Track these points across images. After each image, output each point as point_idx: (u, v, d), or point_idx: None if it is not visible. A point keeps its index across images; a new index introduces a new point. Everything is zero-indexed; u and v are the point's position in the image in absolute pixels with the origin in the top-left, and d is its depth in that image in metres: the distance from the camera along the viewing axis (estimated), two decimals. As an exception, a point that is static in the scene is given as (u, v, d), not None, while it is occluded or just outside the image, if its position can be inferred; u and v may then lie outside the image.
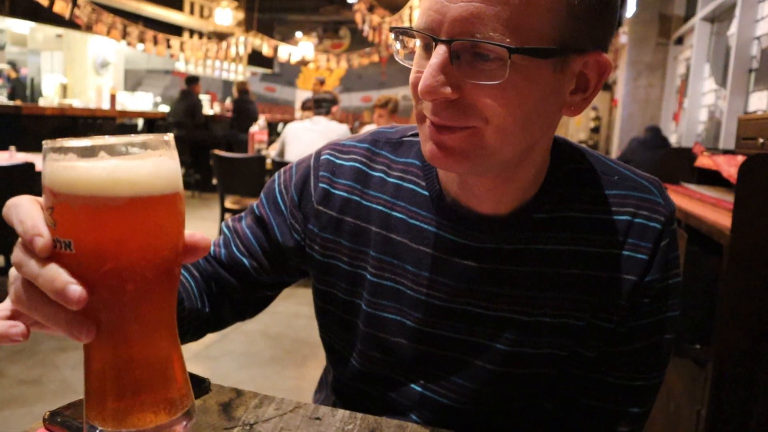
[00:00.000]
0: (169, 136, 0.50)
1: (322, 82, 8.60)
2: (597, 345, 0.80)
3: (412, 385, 0.85)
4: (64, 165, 0.46)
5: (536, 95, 0.66)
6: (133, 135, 0.48)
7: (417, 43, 0.70)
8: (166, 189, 0.49)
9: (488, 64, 0.63)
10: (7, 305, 0.52)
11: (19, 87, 9.15)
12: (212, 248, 0.94)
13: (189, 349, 2.69)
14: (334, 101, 5.04)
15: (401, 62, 0.72)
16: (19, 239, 0.49)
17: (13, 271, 0.50)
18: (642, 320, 0.79)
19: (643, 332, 0.80)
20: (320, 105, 4.97)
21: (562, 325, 0.79)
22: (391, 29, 0.71)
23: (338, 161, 0.88)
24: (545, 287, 0.78)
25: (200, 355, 3.30)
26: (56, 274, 0.46)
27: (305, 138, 4.81)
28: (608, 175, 0.81)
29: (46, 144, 0.47)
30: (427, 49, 0.67)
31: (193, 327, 0.88)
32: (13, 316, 0.52)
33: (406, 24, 6.66)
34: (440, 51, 0.63)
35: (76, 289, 0.45)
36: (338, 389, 0.95)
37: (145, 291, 0.49)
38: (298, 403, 0.76)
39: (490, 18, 0.61)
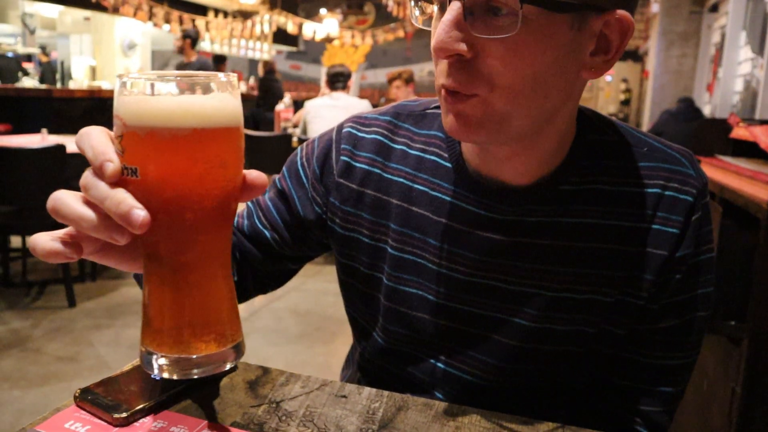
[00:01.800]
0: (233, 76, 0.53)
1: None
2: (627, 322, 0.78)
3: (436, 362, 0.84)
4: (135, 98, 0.49)
5: (550, 54, 0.63)
6: (200, 72, 0.51)
7: (435, 9, 0.68)
8: (228, 123, 0.51)
9: (501, 19, 0.61)
10: (64, 231, 0.54)
11: (48, 71, 9.26)
12: (236, 219, 0.94)
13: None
14: (349, 75, 5.00)
15: (420, 26, 0.70)
16: (89, 165, 0.51)
17: (67, 196, 0.52)
18: (674, 297, 0.77)
19: (675, 309, 0.78)
20: (337, 80, 4.94)
21: (589, 302, 0.77)
22: None
23: (360, 134, 0.87)
24: (570, 262, 0.76)
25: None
26: (123, 198, 0.48)
27: (327, 115, 4.79)
28: (637, 147, 0.78)
29: (120, 77, 0.51)
30: (443, 10, 0.65)
31: None
32: (70, 240, 0.53)
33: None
34: (454, 7, 0.62)
35: (140, 213, 0.48)
36: (363, 366, 0.95)
37: (203, 221, 0.52)
38: (324, 380, 0.76)
39: None
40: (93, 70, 9.18)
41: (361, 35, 9.33)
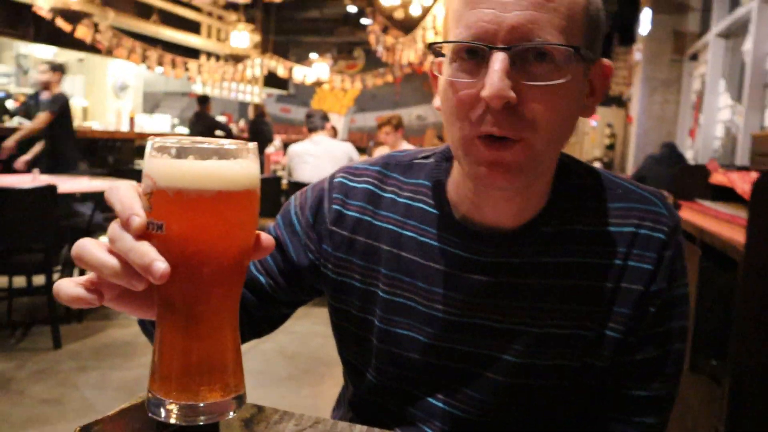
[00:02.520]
0: (253, 145, 0.57)
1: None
2: (607, 355, 0.82)
3: (428, 399, 0.87)
4: (167, 161, 0.54)
5: (576, 96, 0.72)
6: (222, 140, 0.55)
7: (449, 61, 0.72)
8: (248, 186, 0.56)
9: (542, 66, 0.68)
10: (85, 278, 0.57)
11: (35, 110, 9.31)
12: None
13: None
14: (324, 116, 5.09)
15: (441, 77, 0.74)
16: (116, 218, 0.55)
17: (91, 244, 0.55)
18: (651, 330, 0.81)
19: (652, 341, 0.81)
20: (311, 122, 5.02)
21: (572, 336, 0.81)
22: (430, 44, 0.75)
23: (351, 183, 0.91)
24: (554, 299, 0.81)
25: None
26: (147, 251, 0.52)
27: (309, 159, 4.87)
28: (612, 189, 0.84)
29: (152, 140, 0.55)
30: (472, 61, 0.69)
31: None
32: (91, 286, 0.57)
33: (419, 44, 6.72)
34: (501, 57, 0.66)
35: (161, 265, 0.51)
36: (355, 404, 0.97)
37: (218, 276, 0.55)
38: (317, 418, 0.78)
39: (545, 23, 0.67)
40: (85, 111, 9.26)
41: (350, 79, 9.48)
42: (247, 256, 0.58)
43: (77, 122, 8.50)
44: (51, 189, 3.44)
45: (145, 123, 9.77)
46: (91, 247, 0.55)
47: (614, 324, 0.81)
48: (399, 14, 7.71)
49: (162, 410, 0.56)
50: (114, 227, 0.54)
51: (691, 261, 1.76)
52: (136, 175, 5.06)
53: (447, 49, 0.73)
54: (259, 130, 9.47)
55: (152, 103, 14.25)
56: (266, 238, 0.59)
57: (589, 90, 0.76)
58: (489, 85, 0.66)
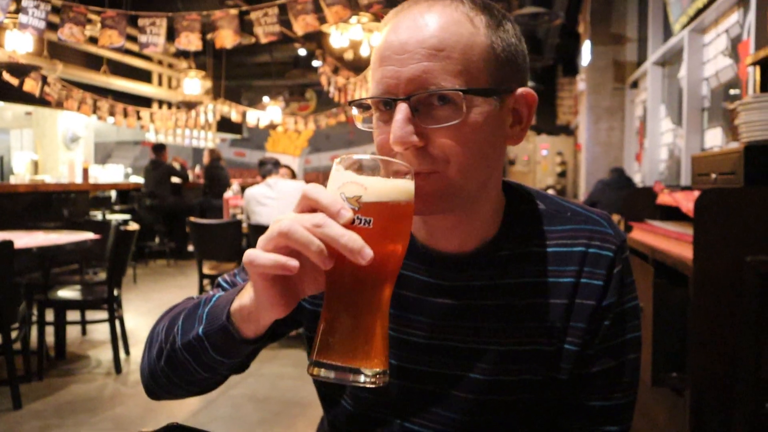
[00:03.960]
0: (412, 170, 0.69)
1: None
2: (567, 368, 0.87)
3: (402, 422, 0.91)
4: (375, 178, 0.66)
5: (487, 130, 0.78)
6: (399, 162, 0.68)
7: (373, 111, 0.81)
8: (413, 199, 0.69)
9: (444, 109, 0.75)
10: (272, 246, 0.65)
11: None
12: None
13: (182, 413, 2.64)
14: (275, 161, 5.29)
15: (361, 127, 0.84)
16: (318, 213, 0.64)
17: (299, 226, 0.63)
18: (606, 342, 0.87)
19: (608, 353, 0.88)
20: (264, 168, 5.26)
21: (534, 352, 0.86)
22: (350, 103, 0.84)
23: None
24: (514, 318, 0.86)
25: (188, 422, 3.26)
26: (357, 237, 0.62)
27: (266, 201, 5.02)
28: (561, 213, 0.91)
29: (343, 159, 0.68)
30: (387, 111, 0.78)
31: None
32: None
33: (371, 84, 6.84)
34: (402, 107, 0.75)
35: (370, 250, 0.61)
36: (335, 435, 0.99)
37: (392, 267, 0.68)
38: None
39: (439, 71, 0.74)
40: (35, 164, 9.08)
41: (303, 121, 9.54)
42: (403, 256, 0.69)
43: (28, 176, 8.36)
44: (7, 245, 3.37)
45: (99, 173, 9.64)
46: (299, 226, 0.63)
47: (572, 338, 0.87)
48: (348, 55, 7.86)
49: (335, 368, 0.65)
50: (319, 216, 0.63)
51: (645, 279, 1.85)
52: (93, 227, 4.98)
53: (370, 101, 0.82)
54: (216, 175, 9.45)
55: (104, 153, 14.08)
56: None
57: (513, 119, 0.82)
58: (392, 133, 0.75)
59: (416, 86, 0.74)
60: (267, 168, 5.21)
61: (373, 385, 0.65)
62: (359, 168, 0.66)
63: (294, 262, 0.63)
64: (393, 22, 0.79)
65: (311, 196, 0.65)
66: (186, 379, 0.86)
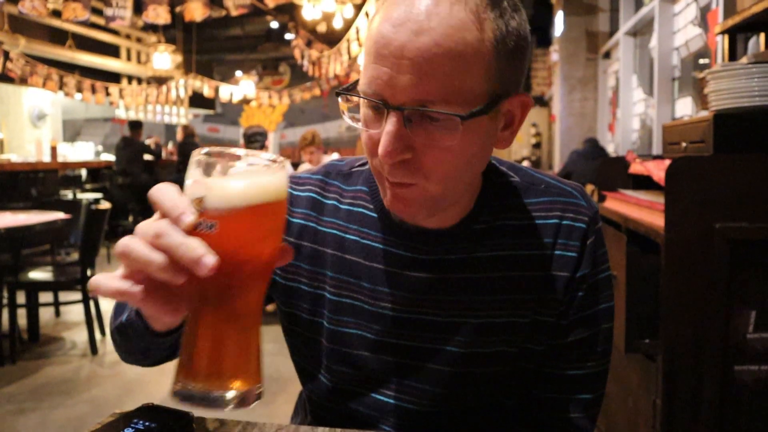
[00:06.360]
0: (285, 162, 0.63)
1: None
2: (543, 339, 0.88)
3: (381, 397, 0.91)
4: (220, 175, 0.59)
5: (478, 144, 0.75)
6: (260, 157, 0.62)
7: (361, 105, 0.77)
8: (282, 198, 0.62)
9: (438, 126, 0.71)
10: (121, 272, 0.59)
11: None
12: None
13: (159, 393, 2.62)
14: (265, 135, 5.13)
15: (348, 121, 0.78)
16: (157, 217, 0.58)
17: (136, 242, 0.57)
18: (580, 312, 0.88)
19: (582, 323, 0.88)
20: (255, 140, 5.04)
21: (509, 324, 0.87)
22: (338, 93, 0.77)
23: (295, 192, 0.95)
24: (490, 291, 0.87)
25: (165, 403, 3.25)
26: (198, 245, 0.55)
27: None
28: (535, 185, 0.90)
29: (200, 153, 0.60)
30: (377, 112, 0.74)
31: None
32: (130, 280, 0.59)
33: (345, 57, 6.78)
34: (394, 118, 0.71)
35: (211, 258, 0.54)
36: (313, 410, 0.99)
37: (254, 275, 0.61)
38: (279, 425, 0.80)
39: (437, 89, 0.69)
40: (1, 143, 8.87)
41: (278, 95, 9.42)
42: (275, 258, 0.63)
43: (-6, 156, 8.16)
44: (-27, 227, 3.30)
45: (68, 152, 9.44)
46: (136, 244, 0.57)
47: (547, 309, 0.87)
48: (322, 28, 7.76)
49: (192, 398, 0.59)
50: (160, 224, 0.57)
51: (618, 248, 1.87)
52: (63, 206, 4.89)
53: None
54: (189, 152, 9.26)
55: (72, 131, 13.79)
56: (287, 246, 0.64)
57: (505, 122, 0.78)
58: (381, 145, 0.71)
59: (411, 99, 0.70)
60: (256, 142, 5.04)
61: (240, 408, 0.60)
62: (207, 164, 0.59)
63: (135, 289, 0.58)
64: (394, 8, 0.71)
65: (153, 199, 0.59)
66: (135, 357, 0.87)
